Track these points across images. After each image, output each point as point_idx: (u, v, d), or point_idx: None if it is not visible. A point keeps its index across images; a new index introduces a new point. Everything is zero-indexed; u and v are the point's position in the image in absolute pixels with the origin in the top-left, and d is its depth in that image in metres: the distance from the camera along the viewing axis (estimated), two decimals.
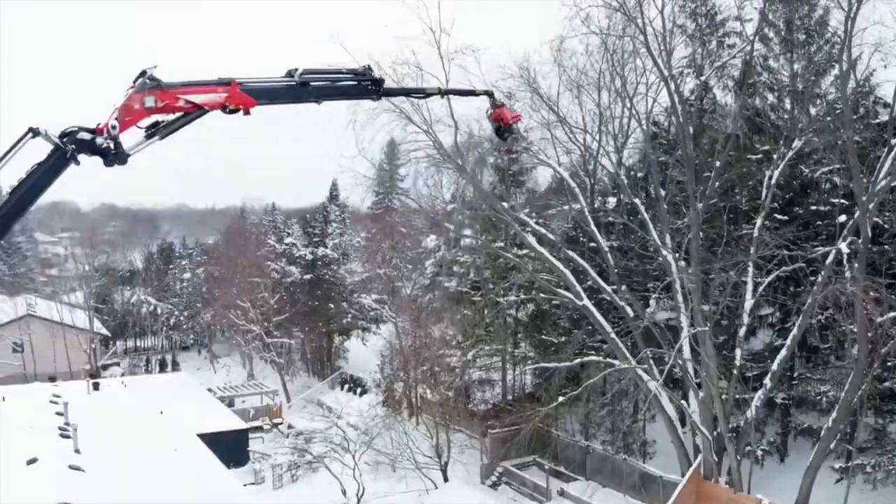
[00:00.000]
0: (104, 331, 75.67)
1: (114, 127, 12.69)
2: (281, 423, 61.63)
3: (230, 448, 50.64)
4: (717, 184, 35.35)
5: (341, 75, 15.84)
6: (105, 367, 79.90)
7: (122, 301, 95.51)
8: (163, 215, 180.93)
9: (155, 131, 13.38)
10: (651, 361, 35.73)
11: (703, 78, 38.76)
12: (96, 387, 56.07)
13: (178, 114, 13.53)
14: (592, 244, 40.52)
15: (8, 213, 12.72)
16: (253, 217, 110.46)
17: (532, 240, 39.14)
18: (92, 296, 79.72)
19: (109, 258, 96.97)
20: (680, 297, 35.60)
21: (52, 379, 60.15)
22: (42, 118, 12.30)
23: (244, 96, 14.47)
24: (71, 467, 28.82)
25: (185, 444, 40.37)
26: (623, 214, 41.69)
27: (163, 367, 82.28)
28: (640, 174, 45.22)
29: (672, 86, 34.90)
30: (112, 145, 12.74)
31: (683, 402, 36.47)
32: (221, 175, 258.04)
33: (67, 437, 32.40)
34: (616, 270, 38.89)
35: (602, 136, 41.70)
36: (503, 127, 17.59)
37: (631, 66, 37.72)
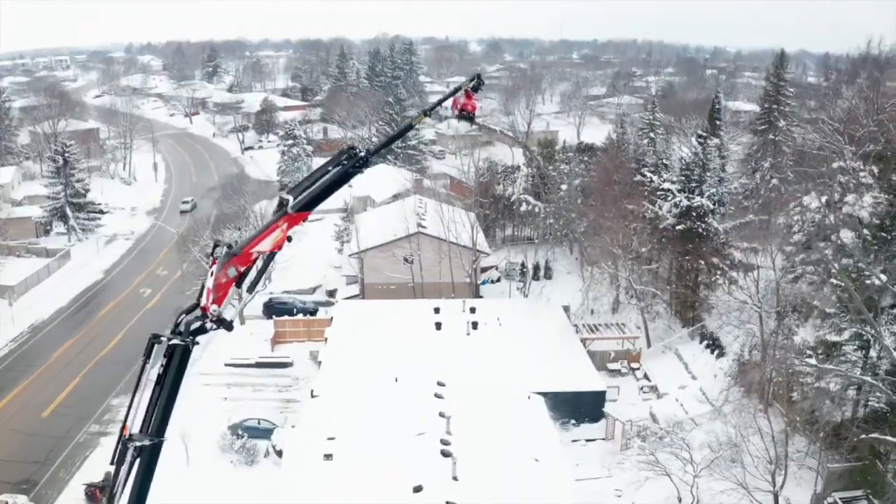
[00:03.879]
0: (486, 249, 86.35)
1: (215, 311, 18.40)
2: (638, 369, 68.74)
3: (585, 405, 59.11)
4: None
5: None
6: (484, 270, 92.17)
7: (501, 193, 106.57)
8: None
9: (249, 288, 19.01)
10: None
11: None
12: (475, 326, 66.96)
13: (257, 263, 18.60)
14: None
15: (165, 406, 19.78)
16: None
17: None
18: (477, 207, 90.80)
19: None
20: None
21: (437, 310, 71.74)
22: None
23: (298, 215, 18.85)
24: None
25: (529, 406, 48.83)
26: None
27: (536, 273, 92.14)
28: None
29: None
30: (219, 323, 18.47)
31: None
32: None
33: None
34: None
35: None
36: (469, 113, 21.93)
37: None
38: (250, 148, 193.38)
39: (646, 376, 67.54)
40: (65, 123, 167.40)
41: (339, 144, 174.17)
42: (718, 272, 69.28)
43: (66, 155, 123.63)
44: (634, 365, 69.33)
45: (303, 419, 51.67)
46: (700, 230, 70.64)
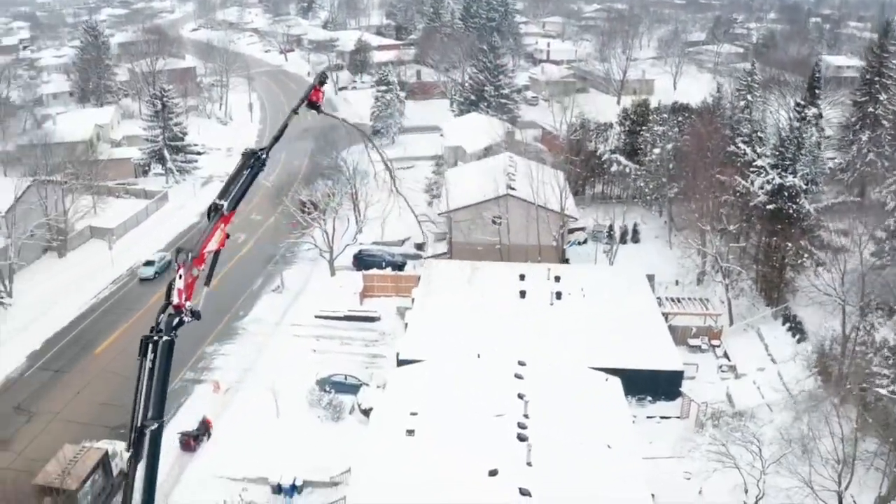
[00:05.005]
0: (574, 213, 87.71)
1: (190, 306, 23.84)
2: (718, 346, 70.15)
3: (662, 383, 61.16)
4: None
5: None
6: (572, 231, 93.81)
7: (592, 149, 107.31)
8: None
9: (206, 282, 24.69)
10: None
11: None
12: (559, 296, 69.18)
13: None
14: None
15: (162, 391, 24.17)
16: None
17: None
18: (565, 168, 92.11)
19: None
20: None
21: (522, 277, 73.93)
22: None
23: (231, 215, 24.49)
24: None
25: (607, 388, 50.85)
26: None
27: (623, 237, 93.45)
28: None
29: None
30: (192, 315, 23.91)
31: None
32: None
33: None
34: None
35: None
36: (316, 103, 27.09)
37: None
38: (344, 88, 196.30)
39: (725, 355, 68.84)
40: (163, 62, 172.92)
41: (432, 88, 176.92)
42: (805, 255, 69.64)
43: (165, 99, 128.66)
44: (715, 342, 70.57)
45: (388, 387, 54.84)
46: (790, 211, 70.89)
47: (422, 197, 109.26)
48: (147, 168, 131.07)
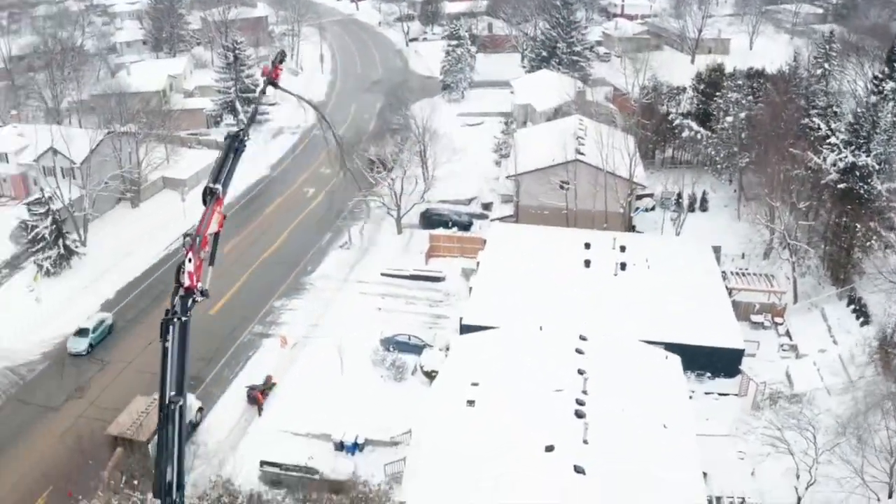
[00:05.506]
0: (643, 181, 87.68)
1: (201, 287, 27.14)
2: (781, 324, 70.40)
3: (722, 360, 61.96)
4: None
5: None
6: (640, 197, 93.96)
7: (664, 113, 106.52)
8: None
9: (210, 262, 28.28)
10: None
11: None
12: (623, 267, 70.04)
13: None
14: None
15: (183, 366, 28.11)
16: None
17: None
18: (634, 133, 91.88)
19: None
20: None
21: (587, 246, 74.71)
22: None
23: (223, 197, 27.62)
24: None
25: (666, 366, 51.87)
26: None
27: (692, 205, 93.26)
28: None
29: None
30: (202, 294, 27.24)
31: None
32: None
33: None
34: None
35: None
36: (273, 80, 30.02)
37: None
38: (415, 40, 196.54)
39: (787, 333, 68.97)
40: (235, 11, 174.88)
41: (504, 42, 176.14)
42: (874, 237, 69.17)
43: (237, 51, 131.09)
44: (778, 320, 70.68)
45: (451, 354, 56.60)
46: (861, 191, 70.32)
47: (490, 156, 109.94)
48: (219, 119, 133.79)
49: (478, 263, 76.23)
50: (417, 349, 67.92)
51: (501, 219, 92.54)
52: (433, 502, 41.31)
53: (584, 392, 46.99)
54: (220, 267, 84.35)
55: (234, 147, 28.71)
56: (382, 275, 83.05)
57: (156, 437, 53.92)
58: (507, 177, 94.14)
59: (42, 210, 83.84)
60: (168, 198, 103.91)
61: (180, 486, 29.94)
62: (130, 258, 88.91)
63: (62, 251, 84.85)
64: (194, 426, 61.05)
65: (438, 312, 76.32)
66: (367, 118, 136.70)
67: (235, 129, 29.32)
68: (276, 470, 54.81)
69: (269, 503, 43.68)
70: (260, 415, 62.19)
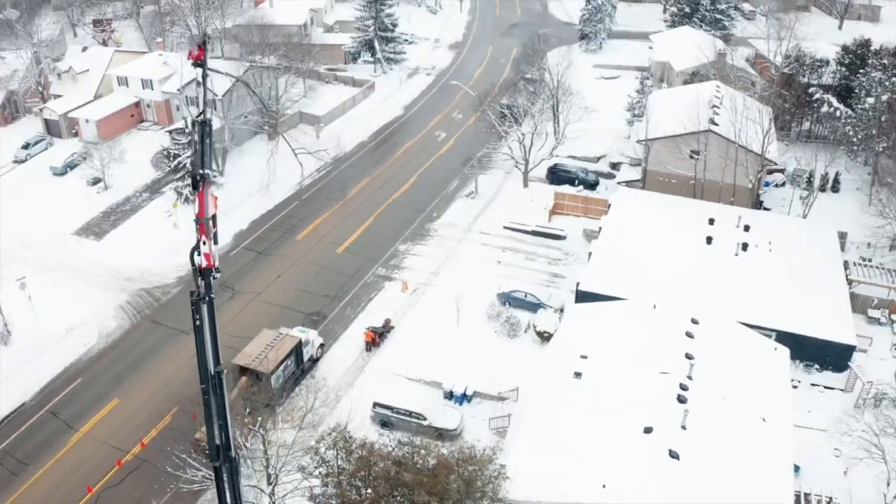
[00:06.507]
0: (775, 158, 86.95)
1: (217, 267, 30.90)
2: None
3: (832, 353, 62.79)
4: None
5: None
6: (770, 172, 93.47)
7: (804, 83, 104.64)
8: None
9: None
10: None
11: None
12: (744, 248, 70.85)
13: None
14: None
15: (213, 342, 32.03)
16: None
17: None
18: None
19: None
20: None
21: (711, 222, 75.43)
22: None
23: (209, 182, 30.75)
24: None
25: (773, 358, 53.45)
26: None
27: (823, 186, 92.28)
28: None
29: None
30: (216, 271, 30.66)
31: None
32: None
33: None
34: None
35: None
36: (199, 62, 31.11)
37: None
38: None
39: None
40: None
41: None
42: None
43: None
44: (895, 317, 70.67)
45: (564, 323, 59.42)
46: None
47: (622, 114, 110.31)
48: (356, 56, 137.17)
49: (600, 228, 77.68)
50: (532, 307, 70.34)
51: (628, 183, 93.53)
52: (533, 470, 44.32)
53: (689, 377, 49.09)
54: (348, 207, 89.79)
55: (204, 132, 31.35)
56: (505, 228, 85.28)
57: (277, 370, 59.27)
58: (637, 141, 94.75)
59: (184, 139, 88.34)
60: (304, 133, 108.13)
61: (229, 447, 34.60)
62: (264, 191, 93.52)
63: None
64: (314, 360, 65.72)
65: (556, 271, 78.14)
66: (503, 63, 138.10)
67: (199, 116, 32.20)
68: (387, 412, 58.46)
69: (380, 451, 46.75)
70: (368, 351, 66.66)
